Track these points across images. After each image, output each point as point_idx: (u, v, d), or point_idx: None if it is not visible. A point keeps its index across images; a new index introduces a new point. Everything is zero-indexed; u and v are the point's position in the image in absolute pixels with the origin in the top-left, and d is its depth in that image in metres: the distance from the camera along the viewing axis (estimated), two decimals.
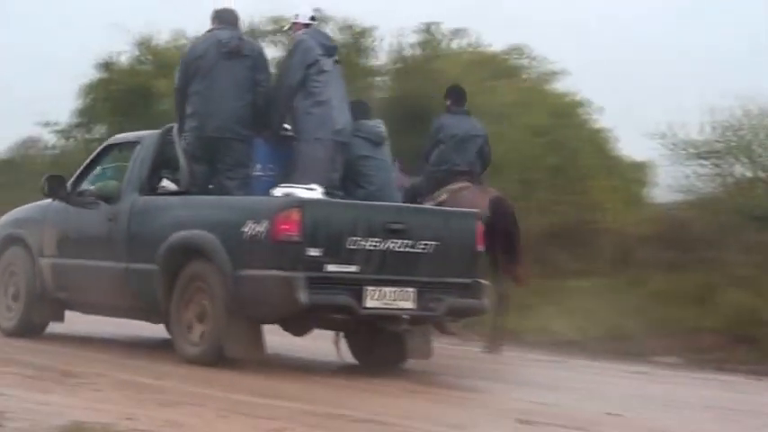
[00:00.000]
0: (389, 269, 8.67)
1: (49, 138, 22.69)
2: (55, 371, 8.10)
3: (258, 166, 9.40)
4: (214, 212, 8.91)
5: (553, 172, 17.58)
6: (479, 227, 9.26)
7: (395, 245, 8.68)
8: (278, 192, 8.86)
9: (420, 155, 12.04)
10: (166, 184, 9.48)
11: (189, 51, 9.61)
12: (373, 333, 9.12)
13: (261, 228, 8.42)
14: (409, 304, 8.74)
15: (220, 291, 8.58)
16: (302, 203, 8.51)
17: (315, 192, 8.85)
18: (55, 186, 10.18)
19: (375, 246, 8.61)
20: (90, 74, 21.36)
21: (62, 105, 21.79)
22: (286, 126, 9.50)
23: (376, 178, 9.45)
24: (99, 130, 20.71)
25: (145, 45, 21.52)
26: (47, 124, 22.03)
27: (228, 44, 9.31)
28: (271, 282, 8.41)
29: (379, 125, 9.70)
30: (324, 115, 9.24)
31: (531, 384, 9.41)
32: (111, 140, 10.57)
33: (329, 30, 18.05)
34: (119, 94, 20.55)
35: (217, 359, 8.66)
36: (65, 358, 8.83)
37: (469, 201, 11.01)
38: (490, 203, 11.15)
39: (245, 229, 8.48)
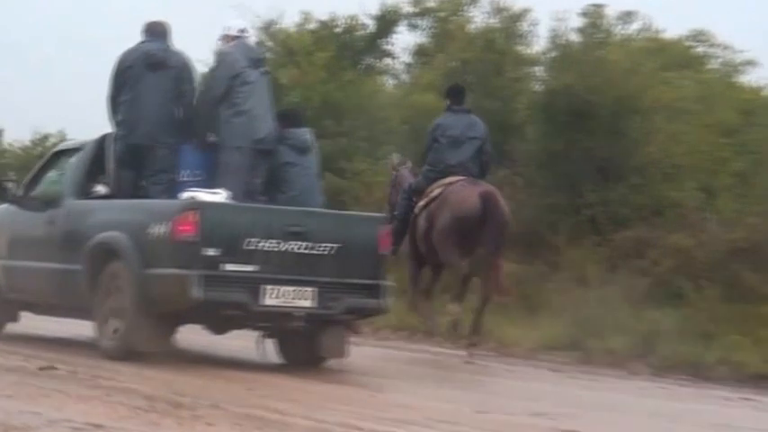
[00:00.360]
0: (289, 269, 10.14)
1: None
2: (165, 401, 8.09)
3: (186, 172, 10.97)
4: (128, 215, 10.55)
5: (741, 178, 17.18)
6: (382, 231, 10.72)
7: (294, 246, 10.16)
8: (184, 195, 10.35)
9: (421, 155, 13.68)
10: (99, 188, 11.12)
11: (119, 62, 11.04)
12: (293, 333, 10.55)
13: (163, 229, 9.98)
14: (308, 303, 10.21)
15: (130, 289, 10.16)
16: (199, 206, 10.04)
17: (219, 195, 10.34)
18: (7, 190, 11.88)
19: (274, 247, 10.09)
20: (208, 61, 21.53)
21: None
22: (211, 134, 10.97)
23: (297, 183, 11.04)
24: None
25: (270, 30, 21.67)
26: None
27: (154, 56, 10.93)
28: (169, 279, 9.96)
29: (305, 134, 11.32)
30: (245, 125, 10.81)
31: (719, 426, 9.13)
32: (59, 147, 12.31)
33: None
34: None
35: (129, 354, 10.11)
36: (175, 386, 8.84)
37: (459, 193, 12.72)
38: (480, 196, 12.59)
39: (151, 230, 10.08)
